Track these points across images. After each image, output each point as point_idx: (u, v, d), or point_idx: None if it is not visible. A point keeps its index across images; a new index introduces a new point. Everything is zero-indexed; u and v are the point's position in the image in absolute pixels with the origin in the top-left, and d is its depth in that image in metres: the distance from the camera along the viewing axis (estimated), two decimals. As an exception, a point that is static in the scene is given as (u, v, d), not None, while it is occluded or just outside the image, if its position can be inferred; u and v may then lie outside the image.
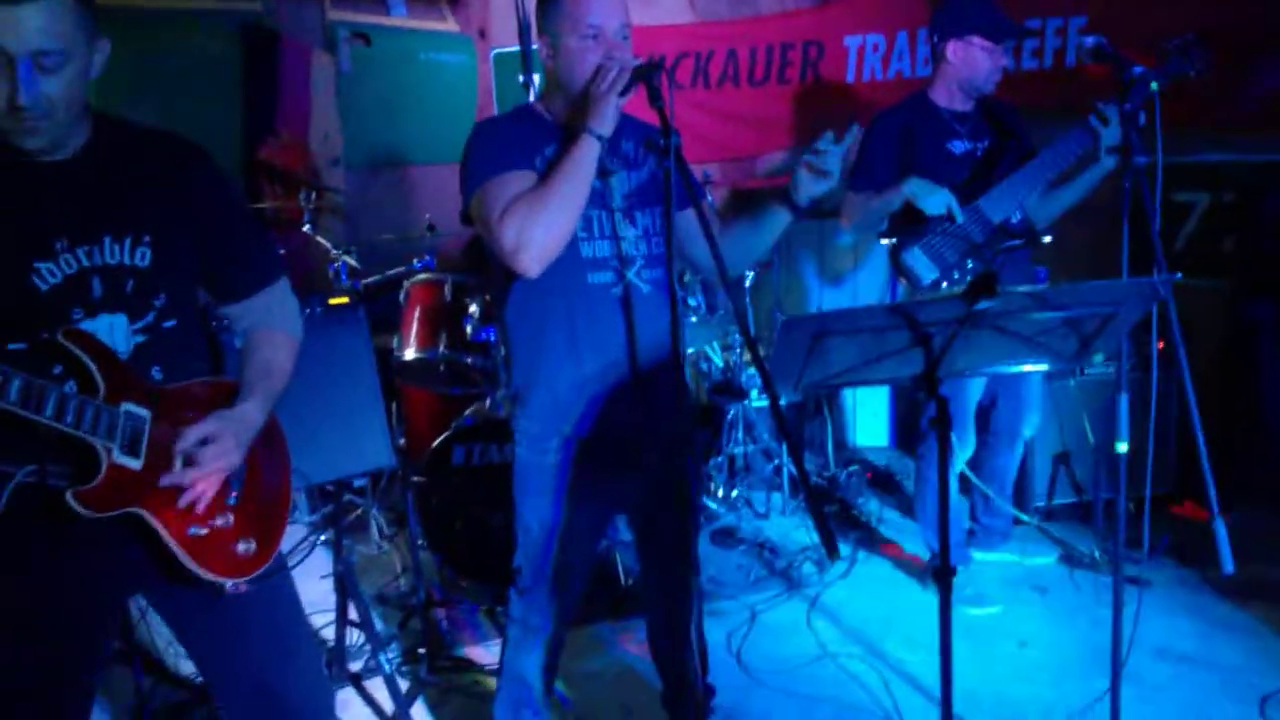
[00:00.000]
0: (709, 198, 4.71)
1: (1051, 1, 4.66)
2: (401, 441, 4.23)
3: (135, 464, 1.72)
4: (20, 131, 1.64)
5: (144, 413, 1.74)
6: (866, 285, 5.44)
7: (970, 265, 3.23)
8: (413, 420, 4.56)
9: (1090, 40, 2.30)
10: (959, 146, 3.37)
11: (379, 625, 3.45)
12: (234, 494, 1.88)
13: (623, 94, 2.08)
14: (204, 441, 1.78)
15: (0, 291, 1.66)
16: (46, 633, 1.77)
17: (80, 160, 1.75)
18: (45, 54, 1.60)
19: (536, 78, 5.72)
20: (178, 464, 1.77)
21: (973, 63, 3.29)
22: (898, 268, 3.30)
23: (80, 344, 1.70)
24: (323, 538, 4.25)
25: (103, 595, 1.86)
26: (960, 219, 3.19)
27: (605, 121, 2.10)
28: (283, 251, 4.50)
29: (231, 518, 1.87)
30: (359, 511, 4.36)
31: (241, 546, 1.87)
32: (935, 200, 3.20)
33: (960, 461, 3.51)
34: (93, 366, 1.69)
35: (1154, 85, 2.22)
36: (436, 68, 6.16)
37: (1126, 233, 2.18)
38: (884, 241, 3.32)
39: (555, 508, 2.36)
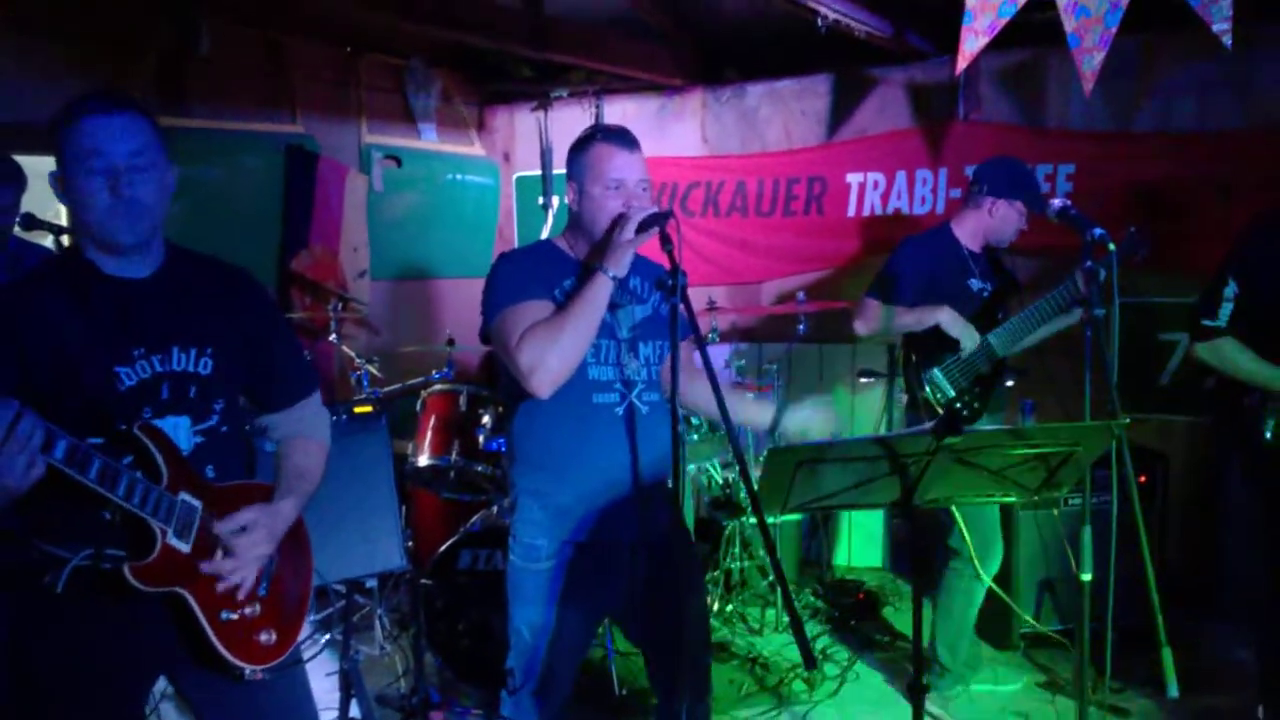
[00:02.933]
0: (714, 323, 4.97)
1: (1042, 150, 4.96)
2: (410, 544, 4.36)
3: (185, 547, 1.93)
4: (117, 228, 1.90)
5: (196, 503, 1.96)
6: (863, 402, 5.62)
7: (978, 391, 3.61)
8: (422, 524, 4.70)
9: (1057, 203, 2.56)
10: (975, 284, 3.69)
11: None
12: (264, 585, 2.08)
13: (637, 233, 2.32)
14: (242, 529, 2.00)
15: (87, 390, 1.89)
16: (91, 700, 1.95)
17: (156, 279, 2.02)
18: (139, 154, 1.89)
19: (555, 200, 6.08)
20: (219, 554, 1.98)
21: (1009, 223, 3.65)
22: (917, 378, 3.61)
23: (151, 437, 1.93)
24: (328, 636, 4.36)
25: (140, 669, 2.03)
26: (979, 354, 3.57)
27: (620, 265, 2.35)
28: (310, 359, 4.73)
29: (259, 607, 2.06)
30: (364, 611, 4.48)
31: (264, 636, 2.06)
32: (968, 337, 3.56)
33: (988, 575, 3.72)
34: (159, 458, 1.92)
35: (1111, 246, 2.46)
36: (462, 188, 6.51)
37: (1088, 375, 2.38)
38: (864, 380, 3.59)
39: (545, 614, 2.53)
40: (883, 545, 5.48)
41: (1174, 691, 2.14)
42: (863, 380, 3.90)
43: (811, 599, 4.89)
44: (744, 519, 4.73)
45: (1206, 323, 3.10)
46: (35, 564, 1.89)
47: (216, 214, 4.95)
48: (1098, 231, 2.48)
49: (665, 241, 2.29)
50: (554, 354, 2.32)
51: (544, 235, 6.20)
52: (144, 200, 1.91)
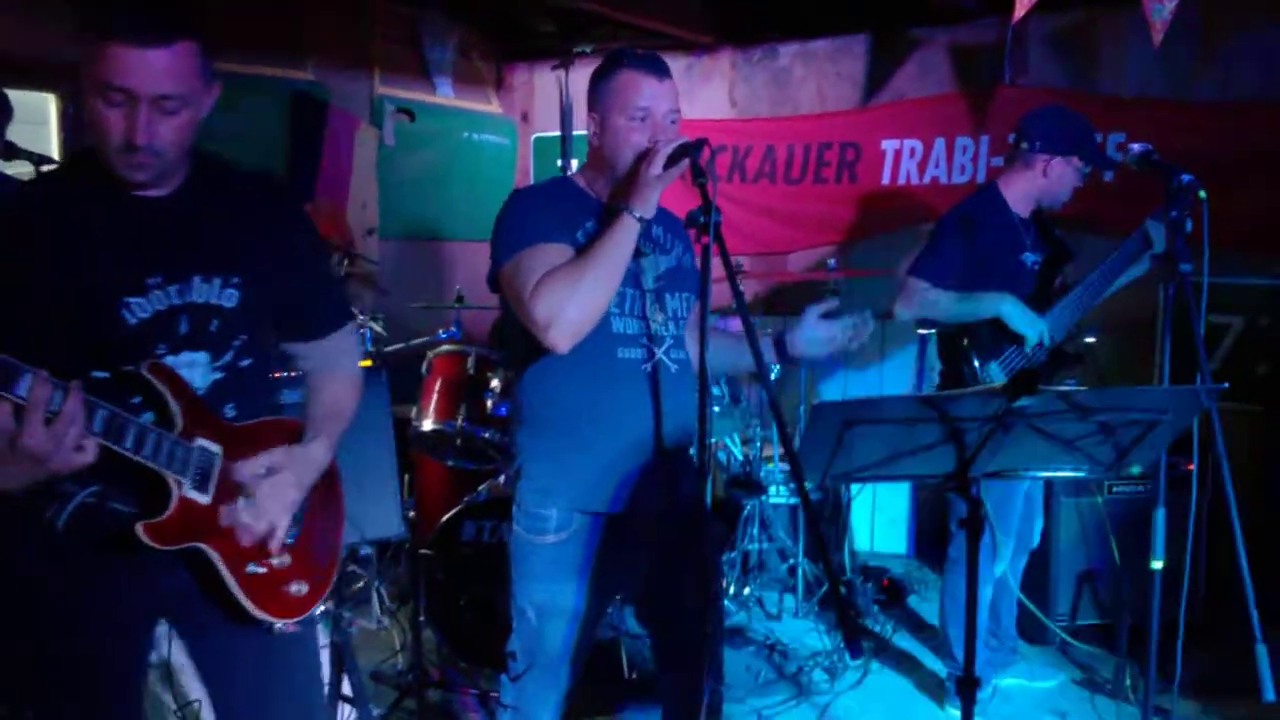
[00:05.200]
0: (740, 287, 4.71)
1: (1091, 117, 4.68)
2: (411, 513, 4.16)
3: (204, 499, 1.75)
4: (130, 167, 1.67)
5: (216, 449, 1.76)
6: (893, 378, 5.39)
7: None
8: (424, 492, 4.49)
9: (1137, 147, 2.29)
10: (1029, 259, 3.33)
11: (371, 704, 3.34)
12: (293, 532, 1.88)
13: (666, 168, 2.07)
14: (266, 472, 1.81)
15: (91, 322, 1.69)
16: (87, 639, 1.78)
17: (178, 198, 1.78)
18: (168, 99, 1.64)
19: (574, 164, 5.83)
20: (240, 502, 1.78)
21: (1065, 182, 3.28)
22: (970, 372, 3.24)
23: (162, 379, 1.72)
24: (322, 608, 4.15)
25: (142, 612, 1.85)
26: (1048, 344, 3.18)
27: (649, 205, 2.10)
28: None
29: (289, 558, 1.88)
30: (362, 582, 4.27)
31: (295, 587, 1.89)
32: (1033, 330, 3.18)
33: (1000, 567, 3.39)
34: (172, 402, 1.72)
35: (1201, 194, 2.19)
36: (477, 147, 6.27)
37: (1168, 341, 2.13)
38: (922, 331, 3.27)
39: (553, 592, 2.29)
40: (907, 530, 5.25)
41: (1270, 694, 1.90)
42: (921, 332, 3.47)
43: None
44: (764, 498, 4.50)
45: None
46: (36, 494, 1.69)
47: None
48: (1186, 178, 2.21)
49: (698, 174, 2.03)
50: (574, 304, 2.07)
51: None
52: (162, 148, 1.67)
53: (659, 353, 2.25)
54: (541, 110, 6.48)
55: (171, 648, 1.91)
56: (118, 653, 1.83)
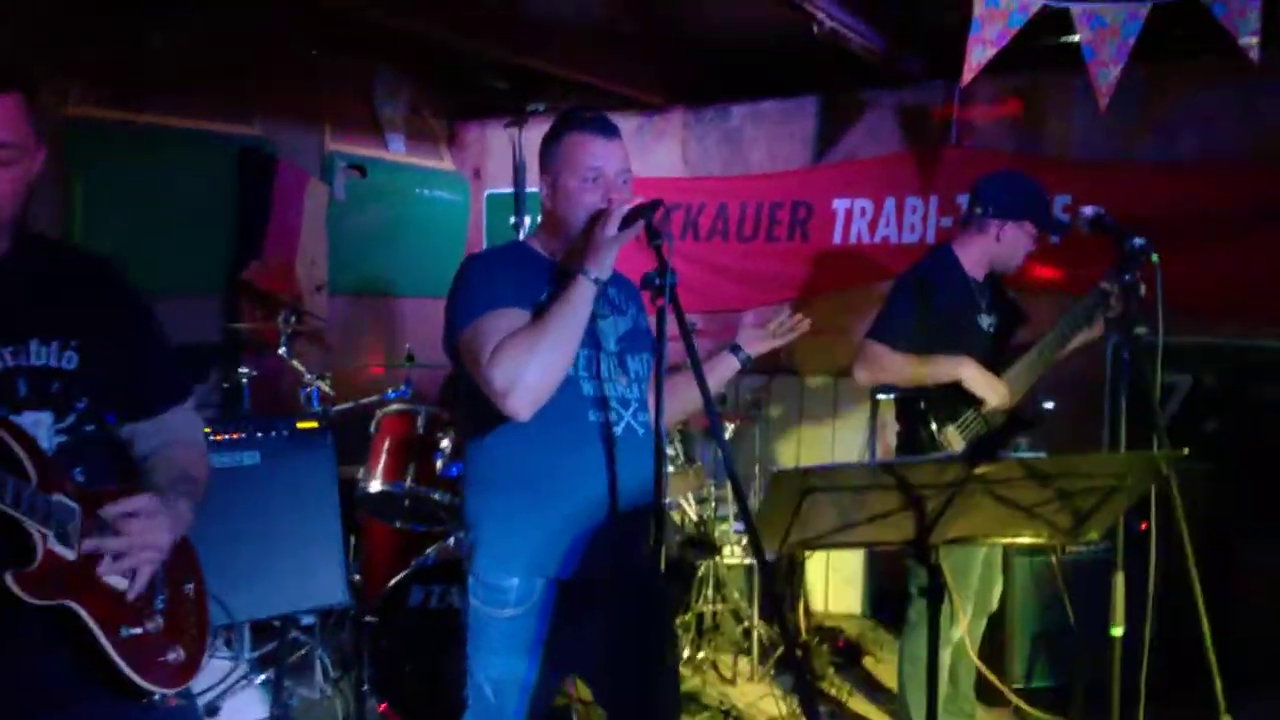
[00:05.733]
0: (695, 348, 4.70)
1: (1037, 178, 4.76)
2: (356, 577, 4.04)
3: (70, 554, 1.65)
4: None
5: (74, 506, 1.67)
6: (845, 437, 5.39)
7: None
8: (371, 555, 4.37)
9: (1089, 210, 2.31)
10: (984, 321, 3.33)
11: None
12: (160, 597, 1.80)
13: (621, 229, 2.04)
14: (131, 515, 1.72)
15: None
16: None
17: (9, 264, 1.73)
18: (2, 147, 1.60)
19: (527, 220, 5.81)
20: (105, 565, 1.68)
21: (1017, 247, 3.29)
22: (928, 435, 3.21)
23: (12, 434, 1.64)
24: (261, 678, 4.00)
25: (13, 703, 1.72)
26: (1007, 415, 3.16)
27: (604, 266, 2.07)
28: (255, 374, 4.41)
29: (161, 621, 1.79)
30: (304, 650, 4.12)
31: (171, 655, 1.80)
32: (994, 394, 3.16)
33: (958, 632, 3.35)
34: (25, 457, 1.63)
35: (1154, 257, 2.21)
36: (429, 203, 6.24)
37: (1124, 403, 2.13)
38: (881, 397, 3.25)
39: (512, 668, 2.21)
40: (862, 590, 5.20)
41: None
42: (881, 397, 3.47)
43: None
44: (719, 559, 4.43)
45: None
46: None
47: (164, 217, 4.64)
48: (1139, 242, 2.22)
49: (653, 236, 2.01)
50: (532, 369, 2.02)
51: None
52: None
53: (626, 416, 2.22)
54: (494, 166, 6.47)
55: None
56: None
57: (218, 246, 5.00)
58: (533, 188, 5.74)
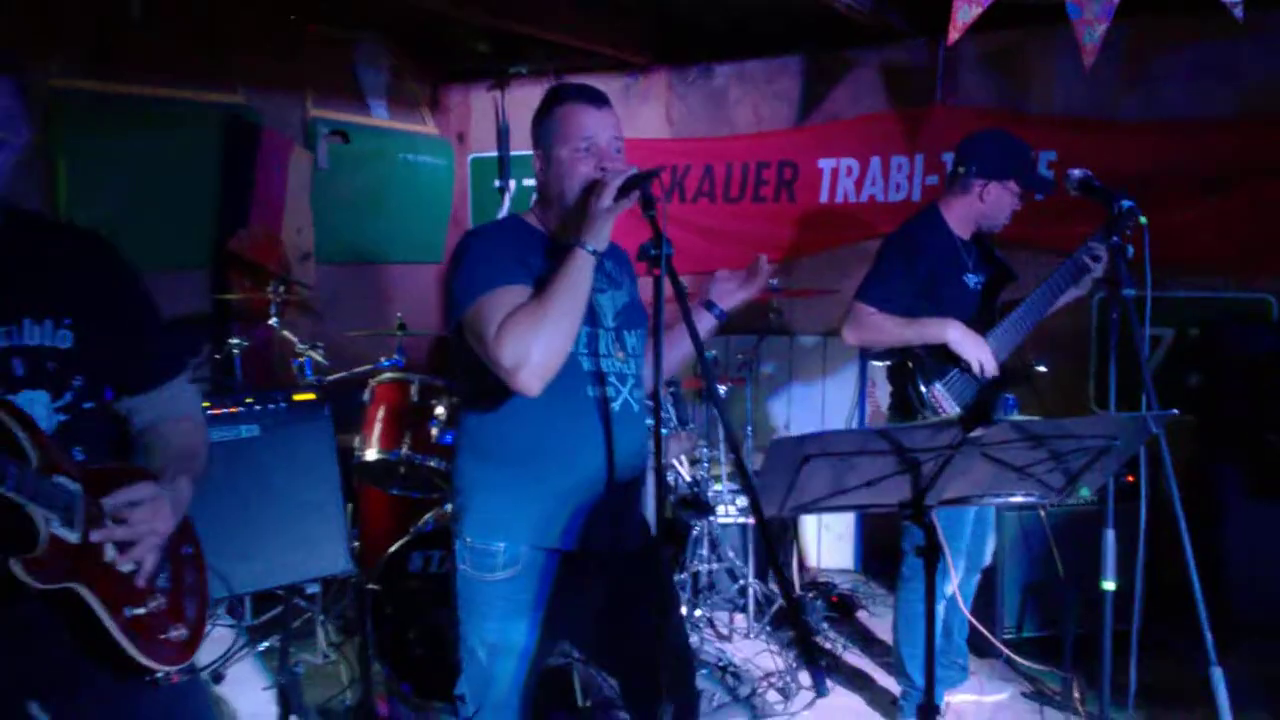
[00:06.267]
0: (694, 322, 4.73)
1: (1022, 136, 4.76)
2: (355, 544, 4.08)
3: (73, 536, 1.66)
4: None
5: (75, 487, 1.68)
6: (834, 397, 5.44)
7: None
8: (369, 522, 4.41)
9: (1077, 173, 2.33)
10: (972, 280, 3.37)
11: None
12: (163, 575, 1.82)
13: (617, 199, 2.05)
14: (132, 504, 1.73)
15: None
16: None
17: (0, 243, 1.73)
18: None
19: (513, 184, 5.80)
20: (108, 548, 1.70)
21: (1002, 206, 3.32)
22: (916, 394, 3.26)
23: (11, 415, 1.64)
24: (265, 645, 4.05)
25: (13, 693, 1.74)
26: (996, 374, 3.20)
27: (601, 237, 2.08)
28: (246, 344, 4.41)
29: (164, 600, 1.81)
30: (305, 617, 4.17)
31: (174, 633, 1.82)
32: (979, 356, 3.20)
33: (951, 586, 3.42)
34: (25, 438, 1.63)
35: (1142, 219, 2.24)
36: (413, 168, 6.20)
37: (1113, 365, 2.17)
38: (875, 364, 3.29)
39: (503, 631, 2.25)
40: (854, 546, 5.29)
41: (1228, 717, 1.93)
42: (876, 364, 3.53)
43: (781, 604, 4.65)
44: (713, 518, 4.49)
45: None
46: None
47: (148, 188, 4.60)
48: (1126, 204, 2.25)
49: (648, 205, 2.02)
50: (539, 345, 2.02)
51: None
52: None
53: (624, 391, 2.24)
54: (478, 130, 6.44)
55: None
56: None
57: (203, 218, 4.96)
58: (517, 150, 5.75)
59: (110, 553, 1.71)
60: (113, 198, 4.41)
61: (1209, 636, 1.98)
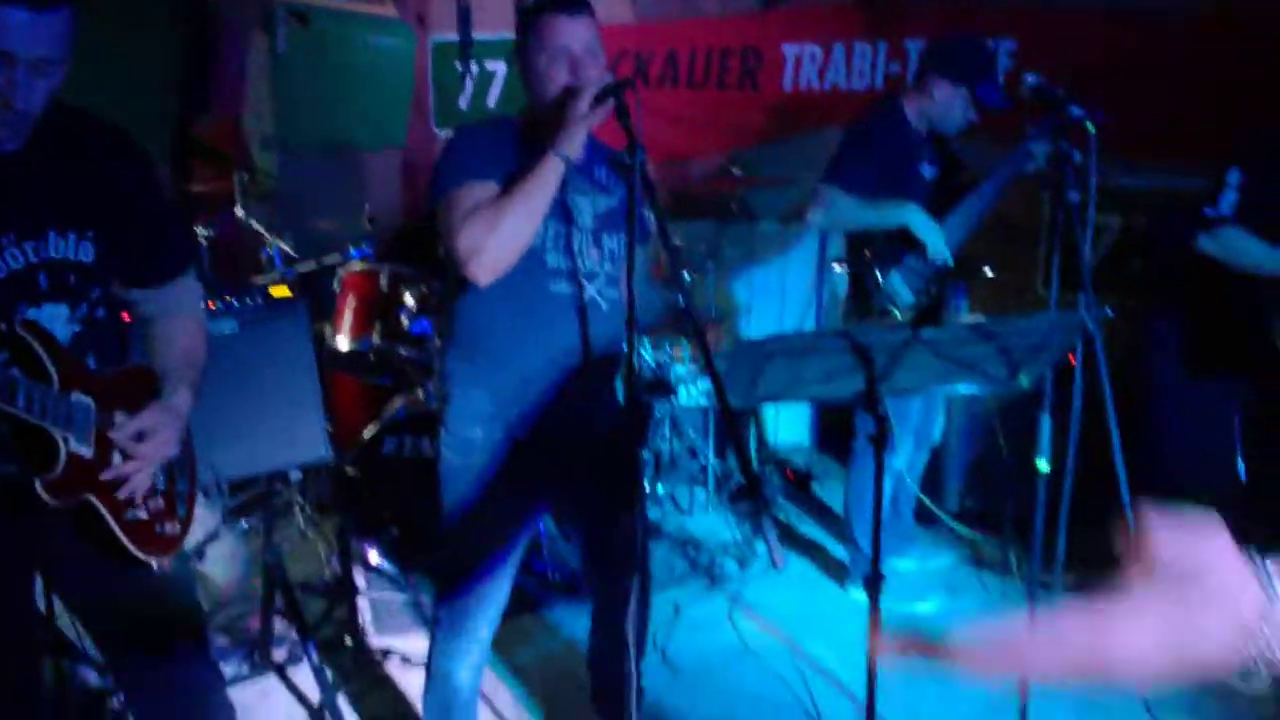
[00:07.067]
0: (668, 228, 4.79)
1: (983, 23, 4.80)
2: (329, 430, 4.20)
3: (88, 452, 1.78)
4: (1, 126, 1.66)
5: (89, 401, 1.79)
6: (794, 283, 5.57)
7: (933, 290, 3.41)
8: (340, 409, 4.51)
9: (1031, 79, 2.42)
10: (927, 171, 3.50)
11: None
12: (160, 478, 1.96)
13: (591, 109, 2.12)
14: (141, 435, 1.85)
15: None
16: None
17: (27, 154, 1.76)
18: (47, 62, 1.65)
19: (475, 68, 5.72)
20: (116, 455, 1.83)
21: (950, 109, 3.42)
22: (872, 279, 3.40)
23: (35, 335, 1.73)
24: (244, 526, 4.21)
25: (22, 572, 1.92)
26: (949, 261, 3.34)
27: (573, 144, 2.16)
28: (212, 234, 4.43)
29: (161, 501, 1.96)
30: (283, 499, 4.32)
31: (168, 528, 1.97)
32: (935, 240, 3.34)
33: (899, 461, 3.64)
34: (47, 358, 1.72)
35: (1090, 128, 2.35)
36: (374, 52, 6.07)
37: (1057, 267, 2.30)
38: (837, 268, 3.44)
39: (481, 510, 2.40)
40: (809, 423, 5.50)
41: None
42: (837, 269, 3.69)
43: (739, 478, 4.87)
44: (674, 400, 4.66)
45: (1209, 212, 2.98)
46: None
47: (104, 76, 4.50)
48: (1076, 111, 2.36)
49: (622, 114, 2.10)
50: (494, 239, 2.15)
51: (461, 105, 5.86)
52: (34, 110, 1.68)
53: (590, 289, 2.34)
54: (438, 13, 6.25)
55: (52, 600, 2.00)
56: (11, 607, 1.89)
57: (162, 105, 4.90)
58: (480, 34, 5.64)
59: (117, 462, 1.84)
60: (69, 86, 4.32)
61: (1128, 502, 2.18)
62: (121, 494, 1.83)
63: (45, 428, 1.70)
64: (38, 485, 1.69)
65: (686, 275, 4.62)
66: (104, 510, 1.81)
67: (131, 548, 1.86)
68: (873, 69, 5.17)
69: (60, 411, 1.71)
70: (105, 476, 1.81)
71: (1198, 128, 4.54)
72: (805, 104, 5.32)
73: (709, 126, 5.49)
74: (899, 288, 3.41)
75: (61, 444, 1.72)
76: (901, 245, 3.40)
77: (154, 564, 1.92)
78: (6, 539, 1.81)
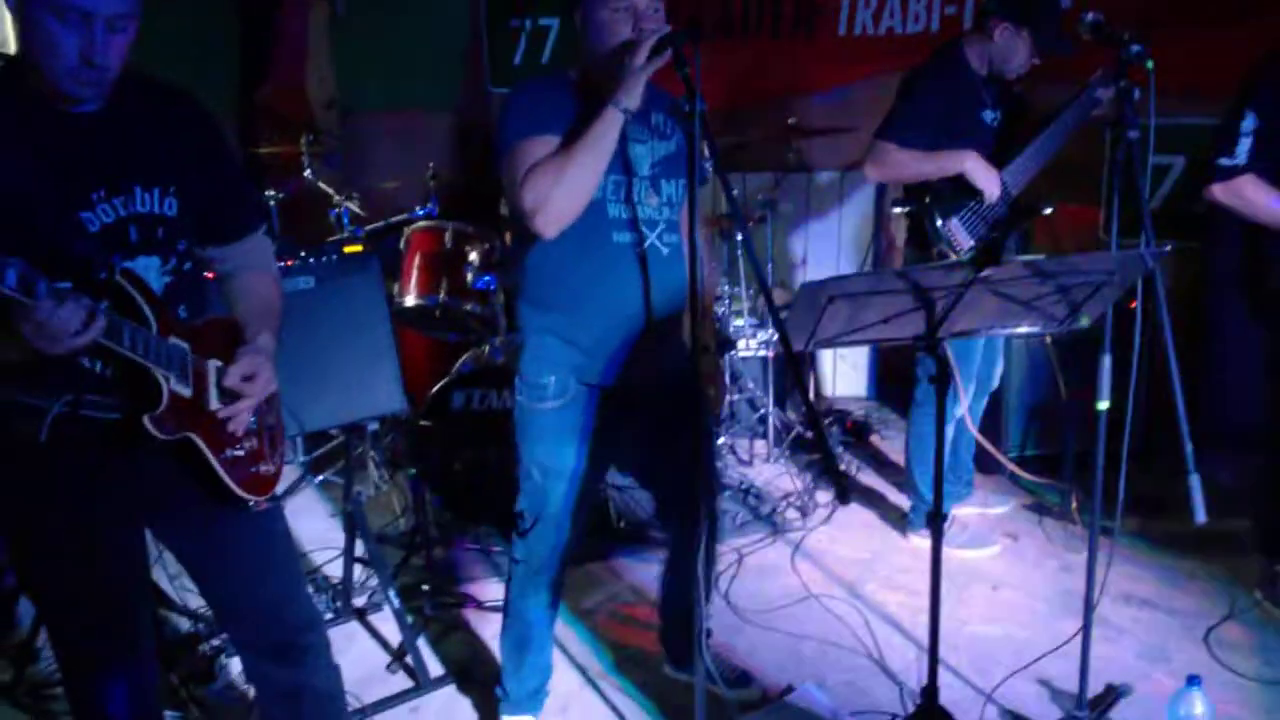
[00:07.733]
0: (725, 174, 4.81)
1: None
2: (400, 385, 4.32)
3: (187, 391, 1.89)
4: (80, 84, 1.74)
5: (185, 345, 1.90)
6: (851, 232, 5.57)
7: (993, 235, 3.41)
8: (408, 364, 4.61)
9: (1090, 16, 2.41)
10: (989, 116, 3.47)
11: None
12: (253, 419, 2.07)
13: (650, 58, 2.16)
14: (246, 378, 1.98)
15: (50, 239, 1.76)
16: (92, 556, 1.94)
17: (109, 112, 1.84)
18: (122, 18, 1.72)
19: (528, 23, 5.74)
20: (213, 394, 1.94)
21: (1012, 52, 3.37)
22: (932, 227, 3.41)
23: (134, 284, 1.83)
24: (321, 477, 4.37)
25: (132, 519, 2.01)
26: (1007, 207, 3.35)
27: (632, 96, 2.20)
28: (282, 196, 4.54)
29: (256, 441, 2.07)
30: (359, 451, 4.46)
31: (264, 468, 2.09)
32: (992, 187, 3.35)
33: (960, 409, 3.66)
34: (145, 306, 1.83)
35: (1149, 64, 2.33)
36: (430, 11, 6.10)
37: (1117, 206, 2.31)
38: (896, 210, 3.44)
39: (554, 454, 2.50)
40: (868, 374, 5.53)
41: (1202, 516, 2.15)
42: (896, 211, 3.69)
43: (799, 429, 4.93)
44: (734, 353, 4.71)
45: (1223, 161, 2.93)
46: (7, 413, 1.81)
47: (169, 44, 4.61)
48: (1136, 49, 2.34)
49: (680, 64, 2.13)
50: (557, 193, 2.22)
51: (516, 61, 5.88)
52: (113, 67, 1.75)
53: (651, 237, 2.40)
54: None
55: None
56: (120, 545, 1.99)
57: (226, 73, 4.99)
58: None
59: (214, 402, 1.95)
60: (132, 54, 4.44)
61: (1189, 445, 2.19)
62: (231, 427, 1.97)
63: (149, 367, 1.81)
64: (145, 420, 1.80)
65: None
66: (205, 448, 1.93)
67: (231, 484, 1.98)
68: (928, 12, 5.13)
69: (161, 352, 1.83)
70: (223, 414, 1.94)
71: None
72: (860, 50, 5.27)
73: (765, 75, 5.46)
74: (957, 234, 3.41)
75: (164, 382, 1.84)
76: (961, 190, 3.40)
77: (251, 501, 2.03)
78: (116, 483, 1.91)
